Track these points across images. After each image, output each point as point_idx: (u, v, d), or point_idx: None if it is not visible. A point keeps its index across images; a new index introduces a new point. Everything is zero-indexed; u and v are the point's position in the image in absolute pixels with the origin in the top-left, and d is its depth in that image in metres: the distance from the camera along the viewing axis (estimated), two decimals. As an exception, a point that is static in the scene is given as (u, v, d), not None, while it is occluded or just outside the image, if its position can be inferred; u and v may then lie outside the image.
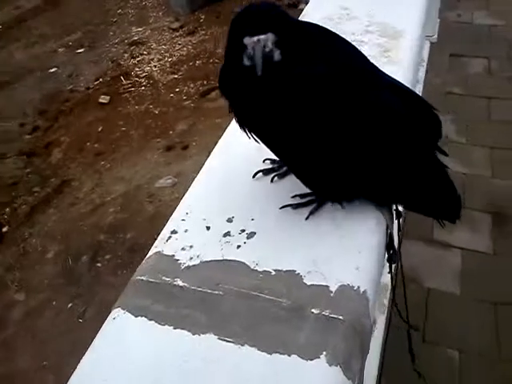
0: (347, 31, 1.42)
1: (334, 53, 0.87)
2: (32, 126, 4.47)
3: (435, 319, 2.36)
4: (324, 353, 0.67)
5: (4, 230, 3.52)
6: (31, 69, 5.39)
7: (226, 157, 0.85)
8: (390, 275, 1.30)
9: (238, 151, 0.89)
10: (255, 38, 0.76)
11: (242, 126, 0.86)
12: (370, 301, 0.75)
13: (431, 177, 0.94)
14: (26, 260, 3.31)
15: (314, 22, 1.50)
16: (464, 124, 3.41)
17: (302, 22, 0.92)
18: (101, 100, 4.66)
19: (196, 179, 0.96)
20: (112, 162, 3.98)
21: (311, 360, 0.67)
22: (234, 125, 1.04)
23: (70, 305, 2.96)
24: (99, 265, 3.18)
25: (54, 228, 3.50)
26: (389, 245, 0.98)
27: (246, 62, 0.77)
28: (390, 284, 2.05)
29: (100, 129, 4.33)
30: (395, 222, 0.99)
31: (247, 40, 0.77)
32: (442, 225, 1.10)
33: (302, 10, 5.05)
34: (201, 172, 0.97)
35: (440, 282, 2.54)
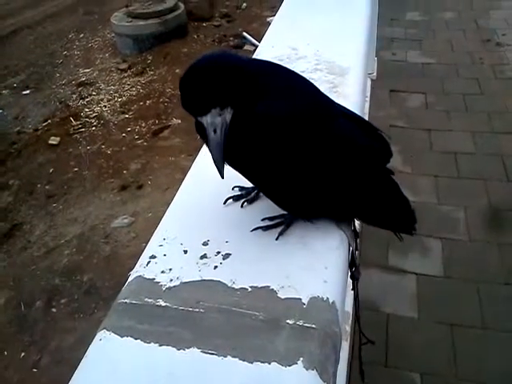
0: (298, 69, 1.53)
1: (289, 87, 0.93)
2: (-22, 170, 4.37)
3: (396, 344, 2.43)
4: (301, 358, 0.73)
5: (-49, 277, 3.39)
6: (-26, 112, 5.30)
7: (197, 185, 0.91)
8: (351, 303, 1.37)
9: (208, 179, 0.96)
10: (204, 122, 0.82)
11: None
12: (338, 310, 0.82)
13: (386, 193, 1.04)
14: (-26, 309, 3.18)
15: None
16: (408, 155, 3.63)
17: (251, 61, 0.97)
18: (50, 141, 4.62)
19: (170, 207, 1.01)
20: (65, 204, 3.93)
21: (289, 366, 0.72)
22: (202, 154, 1.12)
23: (22, 354, 2.85)
24: (54, 310, 3.09)
25: (4, 274, 3.39)
26: (351, 262, 1.06)
27: None
28: (351, 311, 2.13)
29: (51, 170, 4.28)
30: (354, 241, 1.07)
31: (199, 119, 0.83)
32: (400, 238, 1.17)
33: (248, 50, 5.25)
34: (174, 200, 1.03)
35: (398, 306, 2.63)
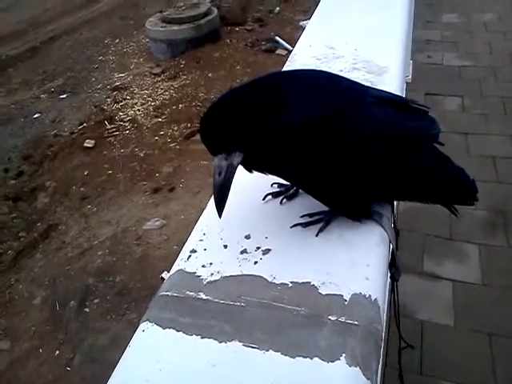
0: (335, 69, 1.52)
1: (310, 93, 0.93)
2: (17, 171, 4.49)
3: (431, 351, 2.38)
4: (344, 354, 0.72)
5: (-11, 276, 3.48)
6: (14, 115, 5.46)
7: (236, 181, 0.91)
8: (385, 304, 1.34)
9: (247, 175, 0.95)
10: (213, 164, 0.90)
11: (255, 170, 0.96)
12: (380, 308, 0.80)
13: (434, 169, 1.01)
14: (12, 307, 3.25)
15: (302, 61, 1.61)
16: (447, 159, 3.56)
17: (265, 83, 0.97)
18: (86, 144, 4.72)
19: (209, 202, 1.01)
20: (98, 206, 4.00)
21: (332, 362, 0.71)
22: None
23: (57, 352, 2.91)
24: (87, 309, 3.15)
25: (40, 273, 3.47)
26: (391, 262, 1.04)
27: None
28: (386, 313, 2.09)
29: (86, 173, 4.37)
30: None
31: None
32: (457, 215, 1.13)
33: (280, 54, 5.21)
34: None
35: (433, 313, 2.58)
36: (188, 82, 5.62)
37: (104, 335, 2.94)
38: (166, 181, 4.14)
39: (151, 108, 5.22)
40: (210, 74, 5.67)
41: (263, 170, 0.95)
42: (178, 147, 4.54)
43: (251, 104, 0.88)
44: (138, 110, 5.21)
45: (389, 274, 1.06)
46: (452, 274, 2.76)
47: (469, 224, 2.99)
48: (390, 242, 0.97)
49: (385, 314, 2.09)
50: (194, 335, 0.75)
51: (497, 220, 3.05)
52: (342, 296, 0.80)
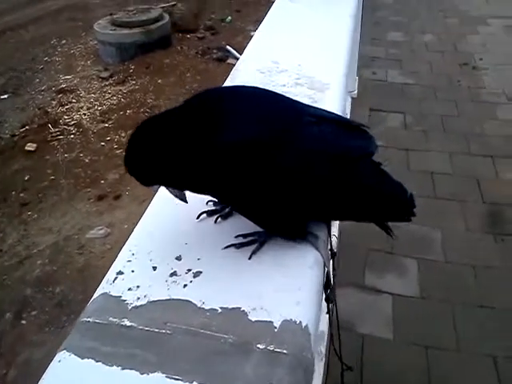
0: (278, 83, 1.52)
1: (247, 112, 0.91)
2: (-49, 175, 4.25)
3: (371, 365, 2.40)
4: (271, 385, 0.70)
5: None
6: (-51, 115, 5.18)
7: (170, 198, 0.88)
8: (327, 322, 1.34)
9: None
10: None
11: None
12: (311, 335, 0.79)
13: (371, 187, 0.99)
14: None
15: (246, 73, 1.60)
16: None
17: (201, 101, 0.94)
18: (27, 148, 4.53)
19: (140, 220, 0.98)
20: (39, 213, 3.84)
21: (259, 393, 0.69)
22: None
23: (-12, 368, 2.76)
24: (24, 322, 3.01)
25: (-27, 283, 3.29)
26: (326, 284, 1.03)
27: None
28: (326, 331, 2.10)
29: (26, 177, 4.19)
30: (331, 261, 1.04)
31: None
32: (393, 236, 1.12)
33: (230, 64, 5.23)
34: (145, 213, 1.00)
35: (373, 327, 2.61)
36: (137, 87, 5.52)
37: (40, 349, 2.82)
38: (112, 188, 4.03)
39: (98, 113, 5.09)
40: (159, 80, 5.59)
41: (196, 191, 0.92)
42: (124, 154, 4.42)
43: (177, 131, 0.85)
44: (84, 114, 5.06)
45: (323, 296, 1.05)
46: (392, 287, 2.82)
47: (408, 239, 3.06)
48: (324, 264, 0.96)
49: (325, 335, 2.09)
50: (114, 366, 0.70)
51: (434, 235, 3.14)
52: (272, 323, 0.78)
